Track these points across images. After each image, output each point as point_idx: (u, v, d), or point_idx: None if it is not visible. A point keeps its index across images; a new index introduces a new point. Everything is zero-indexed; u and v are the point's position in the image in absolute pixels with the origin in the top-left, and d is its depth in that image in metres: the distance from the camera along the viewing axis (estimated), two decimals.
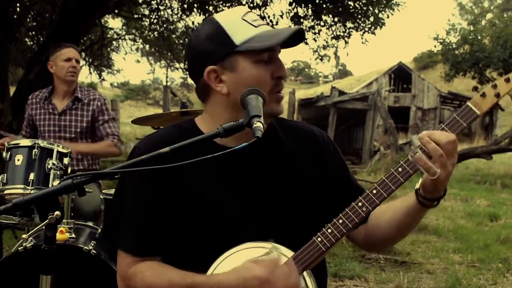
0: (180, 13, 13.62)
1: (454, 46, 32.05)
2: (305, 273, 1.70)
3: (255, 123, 1.49)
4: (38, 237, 3.17)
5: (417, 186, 1.71)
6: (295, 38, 1.76)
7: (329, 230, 1.70)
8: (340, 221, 1.70)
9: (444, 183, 1.65)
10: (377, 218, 1.88)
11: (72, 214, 3.52)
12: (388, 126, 20.96)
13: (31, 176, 3.24)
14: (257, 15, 1.78)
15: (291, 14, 12.27)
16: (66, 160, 3.42)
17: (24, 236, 1.46)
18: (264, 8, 12.02)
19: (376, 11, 12.28)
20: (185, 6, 12.34)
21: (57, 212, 1.38)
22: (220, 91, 1.76)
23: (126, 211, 1.81)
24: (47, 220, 1.37)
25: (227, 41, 1.73)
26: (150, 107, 53.87)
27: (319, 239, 1.70)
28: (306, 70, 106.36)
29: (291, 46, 1.80)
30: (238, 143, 1.48)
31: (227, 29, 1.74)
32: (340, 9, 11.84)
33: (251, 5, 11.38)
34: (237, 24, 1.74)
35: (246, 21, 1.73)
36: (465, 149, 15.81)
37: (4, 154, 3.36)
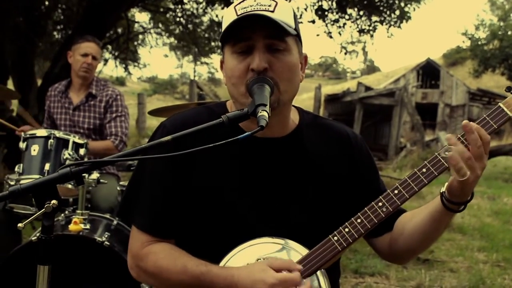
0: (205, 5, 13.59)
1: (483, 42, 31.52)
2: (319, 272, 1.65)
3: (260, 112, 1.46)
4: (55, 226, 3.16)
5: (443, 189, 1.64)
6: (274, 27, 1.64)
7: (346, 229, 1.65)
8: (359, 220, 1.65)
9: (472, 186, 1.59)
10: (401, 226, 1.83)
11: (89, 206, 3.52)
12: (415, 123, 20.72)
13: (47, 166, 3.26)
14: None
15: (315, 7, 12.14)
16: (82, 151, 3.42)
17: (20, 225, 1.41)
18: (288, 1, 11.91)
19: (402, 4, 12.08)
20: None
21: (53, 201, 1.34)
22: (225, 82, 1.78)
23: (144, 190, 1.79)
24: (44, 209, 1.34)
25: (221, 31, 1.74)
26: (178, 101, 54.10)
27: (335, 238, 1.65)
28: (334, 65, 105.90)
29: (276, 36, 1.68)
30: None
31: (223, 19, 1.74)
32: (365, 2, 11.66)
33: None
34: (228, 14, 1.71)
35: (235, 9, 1.68)
36: (494, 147, 15.53)
37: (20, 144, 3.37)
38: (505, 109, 1.62)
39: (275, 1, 1.68)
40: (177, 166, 1.74)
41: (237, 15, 1.65)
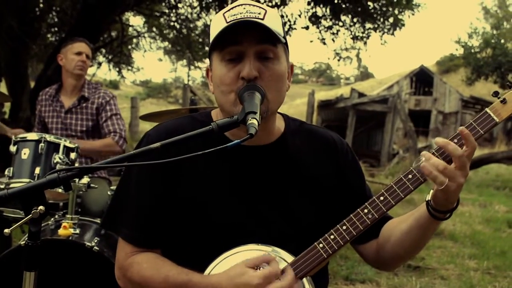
0: (199, 10, 13.60)
1: (476, 50, 31.70)
2: (304, 279, 1.65)
3: (250, 120, 1.46)
4: (44, 231, 3.15)
5: (428, 197, 1.63)
6: (265, 34, 1.64)
7: (332, 237, 1.64)
8: (344, 227, 1.64)
9: (456, 193, 1.58)
10: (388, 233, 1.82)
11: (79, 210, 3.50)
12: (408, 129, 20.76)
13: (37, 170, 3.23)
14: (258, 6, 1.69)
15: (309, 13, 12.17)
16: (72, 155, 3.39)
17: (6, 231, 1.41)
18: (282, 7, 11.93)
19: (396, 11, 12.11)
20: (203, 3, 12.31)
21: (40, 207, 1.33)
22: (211, 89, 1.77)
23: (129, 200, 1.78)
24: (31, 215, 1.33)
25: (209, 39, 1.73)
26: (171, 105, 53.97)
27: (321, 245, 1.63)
28: (328, 71, 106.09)
29: (268, 42, 1.67)
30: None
31: (211, 27, 1.73)
32: (359, 9, 11.69)
33: (269, 4, 11.30)
34: (217, 21, 1.70)
35: (224, 16, 1.67)
36: (486, 154, 15.60)
37: (11, 147, 3.35)
38: (492, 114, 1.61)
39: (264, 9, 1.68)
40: (163, 174, 1.74)
41: (227, 22, 1.64)
